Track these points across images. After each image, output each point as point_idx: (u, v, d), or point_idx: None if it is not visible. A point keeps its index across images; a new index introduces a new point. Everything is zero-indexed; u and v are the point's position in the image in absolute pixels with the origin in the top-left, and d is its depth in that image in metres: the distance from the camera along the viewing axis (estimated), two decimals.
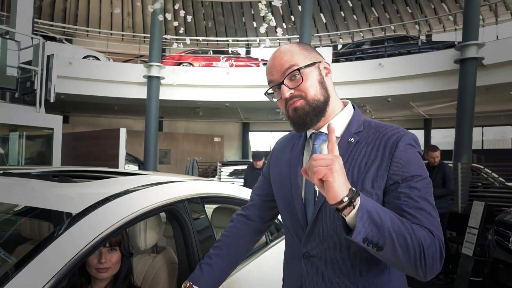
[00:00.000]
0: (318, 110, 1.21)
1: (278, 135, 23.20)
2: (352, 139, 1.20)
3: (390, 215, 1.01)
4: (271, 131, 21.67)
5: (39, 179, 1.64)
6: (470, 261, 4.59)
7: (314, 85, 1.21)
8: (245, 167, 13.39)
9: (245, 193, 2.35)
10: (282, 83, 1.20)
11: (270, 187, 1.45)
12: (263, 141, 21.95)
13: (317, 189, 1.18)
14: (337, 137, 1.21)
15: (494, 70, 10.11)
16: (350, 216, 0.98)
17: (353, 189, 0.98)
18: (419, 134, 17.89)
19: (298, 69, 1.19)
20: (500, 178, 8.94)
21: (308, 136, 1.31)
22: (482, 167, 8.86)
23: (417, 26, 18.19)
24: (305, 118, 1.20)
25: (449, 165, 6.21)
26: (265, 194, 1.50)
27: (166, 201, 1.66)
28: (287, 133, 1.49)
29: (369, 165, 1.15)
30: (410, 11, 19.18)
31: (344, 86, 11.68)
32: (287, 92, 1.19)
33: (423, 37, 16.82)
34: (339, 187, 0.96)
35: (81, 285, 1.61)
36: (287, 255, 1.38)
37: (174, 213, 1.73)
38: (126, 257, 1.69)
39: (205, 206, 2.24)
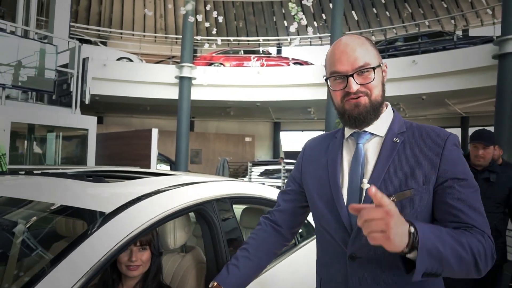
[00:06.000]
0: (377, 110, 1.23)
1: (309, 135, 23.08)
2: (397, 139, 1.22)
3: (448, 240, 1.02)
4: (302, 130, 21.58)
5: (74, 179, 1.69)
6: None
7: (379, 85, 1.23)
8: (277, 167, 13.39)
9: (274, 194, 2.34)
10: (351, 76, 1.19)
11: (300, 193, 1.44)
12: (294, 140, 21.90)
13: (364, 187, 1.18)
14: (380, 137, 1.25)
15: None
16: (410, 255, 1.00)
17: (412, 231, 0.97)
18: (456, 133, 17.35)
19: (373, 68, 1.20)
20: None
21: (347, 135, 1.31)
22: None
23: (453, 21, 17.66)
24: (366, 115, 1.21)
25: None
26: (294, 199, 1.47)
27: (194, 201, 1.67)
28: (318, 134, 1.46)
29: (418, 164, 1.17)
30: (445, 5, 18.63)
31: None
32: (355, 86, 1.19)
33: (459, 33, 16.31)
34: (399, 241, 0.94)
35: (113, 282, 1.66)
36: (324, 259, 1.35)
37: (203, 213, 1.74)
38: (156, 256, 1.72)
39: (234, 206, 2.25)
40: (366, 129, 1.25)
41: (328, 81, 1.25)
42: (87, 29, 18.54)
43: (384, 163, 1.19)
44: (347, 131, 1.31)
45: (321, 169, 1.32)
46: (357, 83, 1.19)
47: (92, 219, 1.31)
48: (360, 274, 1.19)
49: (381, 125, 1.26)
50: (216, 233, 1.75)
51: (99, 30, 19.63)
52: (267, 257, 1.49)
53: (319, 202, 1.31)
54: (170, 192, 1.62)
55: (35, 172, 1.89)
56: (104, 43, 18.44)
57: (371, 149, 1.25)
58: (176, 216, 1.57)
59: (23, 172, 1.92)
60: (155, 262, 1.72)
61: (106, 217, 1.30)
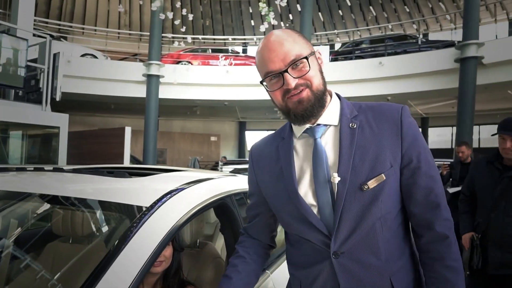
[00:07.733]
0: (321, 100, 1.17)
1: None
2: (353, 124, 1.17)
3: None
4: (267, 130, 21.68)
5: (95, 175, 1.66)
6: None
7: (317, 74, 1.16)
8: (245, 166, 13.41)
9: None
10: (286, 71, 1.12)
11: (264, 203, 1.35)
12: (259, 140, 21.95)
13: (334, 181, 1.13)
14: (335, 126, 1.20)
15: (493, 69, 10.23)
16: None
17: None
18: None
19: (306, 58, 1.13)
20: None
21: (299, 133, 1.24)
22: None
23: (414, 25, 18.31)
24: (312, 109, 1.15)
25: (447, 162, 6.13)
26: (260, 213, 1.39)
27: (218, 196, 1.68)
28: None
29: (381, 146, 1.14)
30: (408, 10, 19.30)
31: (343, 84, 11.74)
32: (292, 82, 1.12)
33: (420, 36, 16.94)
34: None
35: None
36: (301, 261, 1.27)
37: (224, 207, 1.75)
38: (177, 251, 1.71)
39: None
40: (319, 121, 1.19)
41: (264, 83, 1.18)
42: (47, 23, 17.82)
43: (348, 152, 1.14)
44: (298, 129, 1.24)
45: (276, 177, 1.25)
46: (294, 78, 1.12)
47: (134, 214, 1.29)
48: (348, 267, 1.15)
49: (332, 114, 1.20)
50: (237, 227, 1.76)
51: (59, 25, 18.91)
52: (262, 259, 1.42)
53: (283, 214, 1.26)
54: (197, 186, 1.62)
55: (46, 168, 1.82)
56: (65, 38, 17.80)
57: (329, 141, 1.19)
58: (205, 209, 1.56)
59: (32, 168, 1.85)
60: (177, 258, 1.71)
61: (146, 211, 1.29)
